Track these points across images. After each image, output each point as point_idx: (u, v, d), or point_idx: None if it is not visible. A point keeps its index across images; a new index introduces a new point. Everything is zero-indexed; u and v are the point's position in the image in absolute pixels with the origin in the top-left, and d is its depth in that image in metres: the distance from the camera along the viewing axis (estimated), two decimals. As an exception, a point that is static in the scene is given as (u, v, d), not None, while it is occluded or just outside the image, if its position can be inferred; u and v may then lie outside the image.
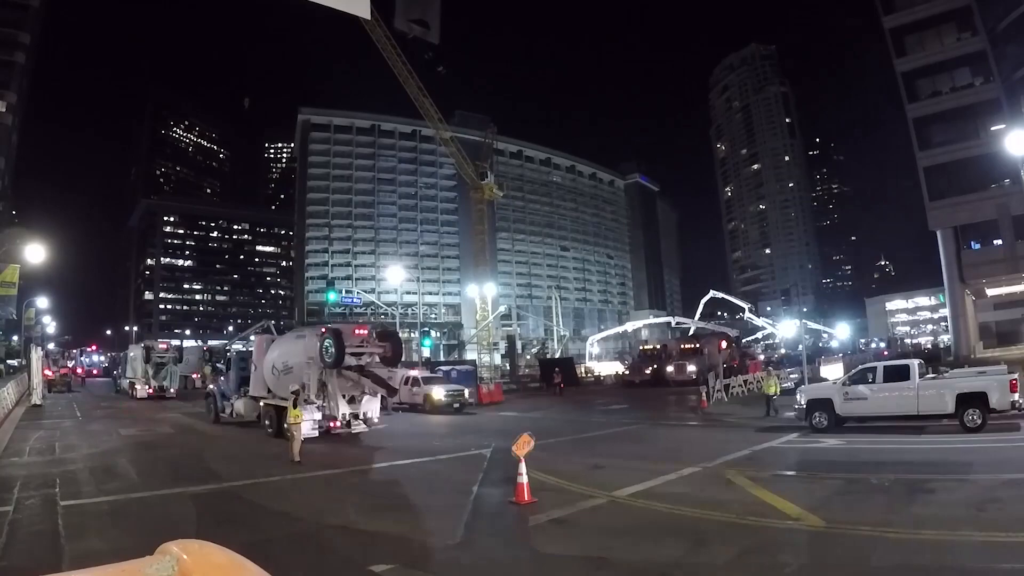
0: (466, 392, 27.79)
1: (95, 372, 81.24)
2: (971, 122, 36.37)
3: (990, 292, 37.94)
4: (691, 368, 41.82)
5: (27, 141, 74.70)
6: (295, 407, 13.94)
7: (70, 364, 64.94)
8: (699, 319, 61.98)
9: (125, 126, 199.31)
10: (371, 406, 17.73)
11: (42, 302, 49.09)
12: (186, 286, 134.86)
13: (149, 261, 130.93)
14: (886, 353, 49.79)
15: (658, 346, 52.56)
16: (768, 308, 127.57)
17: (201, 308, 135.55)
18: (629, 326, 76.45)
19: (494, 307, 79.37)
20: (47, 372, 41.87)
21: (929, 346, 62.78)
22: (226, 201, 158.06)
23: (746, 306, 67.62)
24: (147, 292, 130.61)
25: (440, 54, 67.43)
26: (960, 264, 37.05)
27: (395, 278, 79.07)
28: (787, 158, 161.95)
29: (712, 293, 66.47)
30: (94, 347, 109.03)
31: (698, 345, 46.59)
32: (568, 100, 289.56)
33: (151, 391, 35.78)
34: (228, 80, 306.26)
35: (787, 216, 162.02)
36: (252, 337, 22.40)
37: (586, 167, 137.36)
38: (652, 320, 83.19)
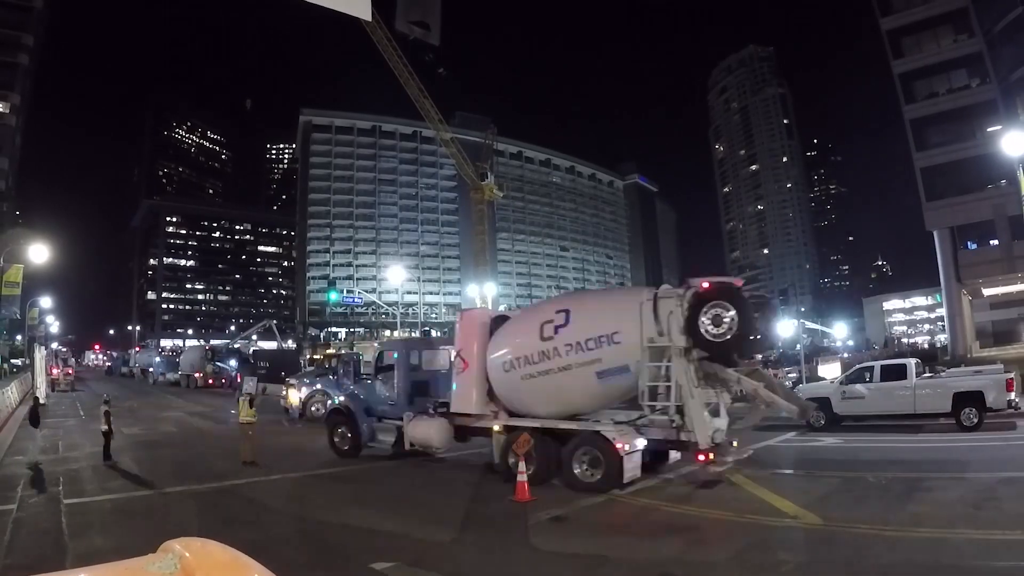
0: None
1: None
2: (968, 123, 36.35)
3: (986, 292, 37.90)
4: None
5: (30, 142, 74.72)
6: (251, 406, 13.49)
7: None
8: None
9: (128, 127, 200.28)
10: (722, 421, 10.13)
11: (46, 302, 49.09)
12: (188, 286, 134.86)
13: (152, 261, 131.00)
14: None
15: None
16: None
17: (203, 308, 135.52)
18: None
19: (494, 307, 79.37)
20: (54, 371, 42.03)
21: (926, 346, 62.74)
22: (228, 202, 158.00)
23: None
24: (150, 292, 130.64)
25: (440, 56, 67.60)
26: (957, 264, 37.01)
27: (396, 278, 79.15)
28: (785, 159, 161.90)
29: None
30: (97, 346, 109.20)
31: None
32: (568, 101, 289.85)
33: (211, 381, 42.52)
34: (230, 82, 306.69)
35: (785, 216, 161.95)
36: (459, 319, 12.55)
37: (585, 168, 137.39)
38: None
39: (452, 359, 12.60)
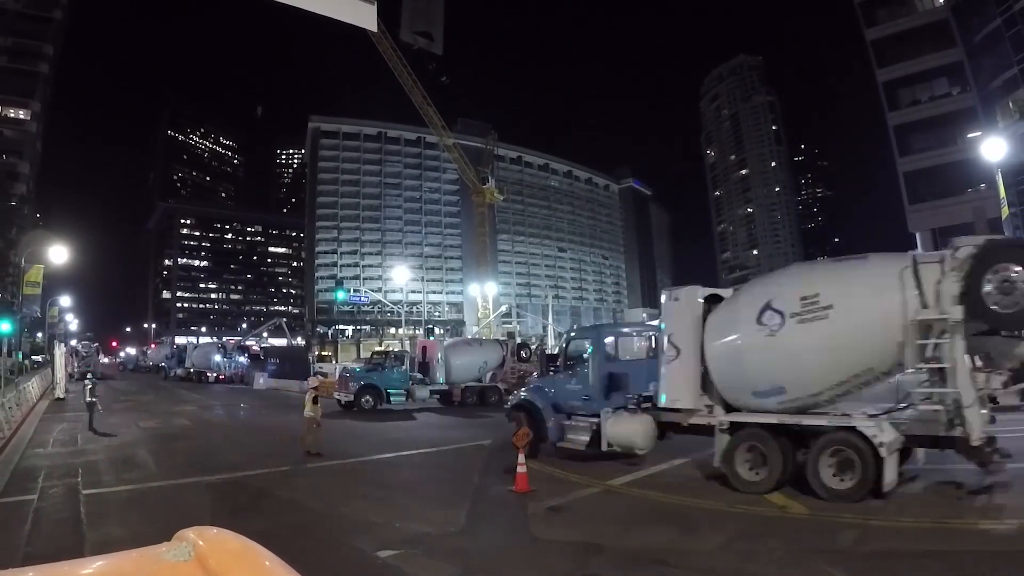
0: None
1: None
2: (949, 129, 36.39)
3: (967, 291, 37.92)
4: None
5: (50, 148, 74.64)
6: (315, 402, 13.22)
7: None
8: None
9: (143, 133, 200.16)
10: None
11: (65, 301, 49.16)
12: (202, 285, 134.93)
13: (167, 262, 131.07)
14: None
15: None
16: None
17: (216, 306, 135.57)
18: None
19: (495, 306, 79.33)
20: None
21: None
22: (240, 204, 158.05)
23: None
24: (165, 291, 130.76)
25: (443, 65, 67.62)
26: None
27: (401, 278, 79.16)
28: (773, 164, 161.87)
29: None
30: (114, 343, 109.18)
31: None
32: (565, 108, 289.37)
33: (222, 377, 42.17)
34: (242, 90, 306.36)
35: (773, 219, 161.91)
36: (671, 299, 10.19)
37: (582, 172, 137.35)
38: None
39: (657, 347, 10.64)
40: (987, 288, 7.31)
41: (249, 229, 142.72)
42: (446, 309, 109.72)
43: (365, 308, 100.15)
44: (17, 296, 33.90)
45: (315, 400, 13.39)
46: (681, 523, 7.52)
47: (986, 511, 7.17)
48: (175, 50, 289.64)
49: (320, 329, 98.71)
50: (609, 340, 12.17)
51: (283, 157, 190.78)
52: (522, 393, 13.38)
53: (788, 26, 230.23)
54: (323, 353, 74.28)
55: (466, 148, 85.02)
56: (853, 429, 7.85)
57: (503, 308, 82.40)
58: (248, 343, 55.08)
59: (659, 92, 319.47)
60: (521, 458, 9.36)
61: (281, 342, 68.63)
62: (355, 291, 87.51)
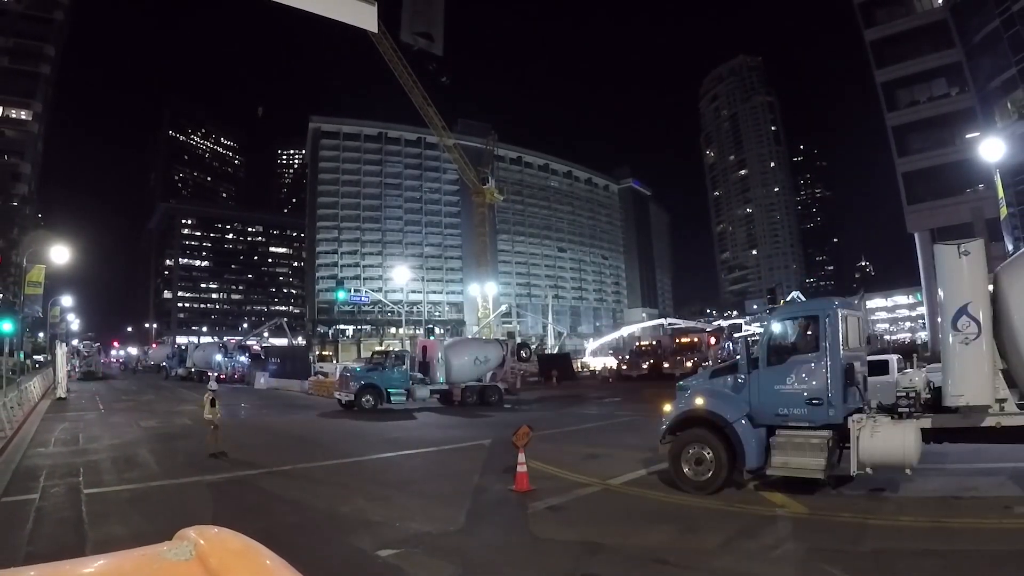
0: None
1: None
2: (947, 130, 36.39)
3: (965, 291, 37.93)
4: (688, 364, 42.08)
5: (52, 148, 74.74)
6: (212, 405, 13.35)
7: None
8: (688, 317, 62.80)
9: (145, 134, 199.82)
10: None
11: (66, 301, 49.09)
12: (203, 285, 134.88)
13: (168, 262, 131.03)
14: None
15: (653, 343, 53.17)
16: (754, 307, 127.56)
17: (217, 306, 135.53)
18: (625, 331, 76.55)
19: (495, 305, 79.35)
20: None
21: (906, 342, 62.79)
22: (241, 205, 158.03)
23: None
24: (166, 291, 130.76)
25: (443, 65, 67.60)
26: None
27: (401, 278, 79.14)
28: (772, 164, 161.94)
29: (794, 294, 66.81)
30: (115, 343, 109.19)
31: (695, 339, 47.16)
32: (566, 109, 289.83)
33: (222, 376, 40.74)
34: (243, 90, 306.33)
35: (772, 219, 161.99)
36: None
37: (582, 172, 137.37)
38: (648, 323, 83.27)
39: (944, 320, 7.59)
40: None
41: (250, 229, 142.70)
42: (446, 309, 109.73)
43: (366, 308, 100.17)
44: (19, 296, 33.91)
45: (212, 403, 13.47)
46: (681, 522, 7.52)
47: (985, 511, 7.16)
48: (176, 51, 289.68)
49: (321, 329, 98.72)
50: (843, 320, 8.45)
51: (284, 157, 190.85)
52: (695, 399, 9.10)
53: (787, 27, 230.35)
54: (324, 353, 74.11)
55: (466, 148, 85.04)
56: None
57: (503, 308, 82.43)
58: (249, 343, 55.12)
59: (659, 92, 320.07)
60: (521, 457, 9.34)
61: (282, 342, 68.67)
62: (356, 291, 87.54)
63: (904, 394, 8.03)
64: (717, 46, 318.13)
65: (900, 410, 7.92)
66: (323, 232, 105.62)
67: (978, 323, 7.24)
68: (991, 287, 7.50)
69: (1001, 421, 7.34)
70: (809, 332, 8.66)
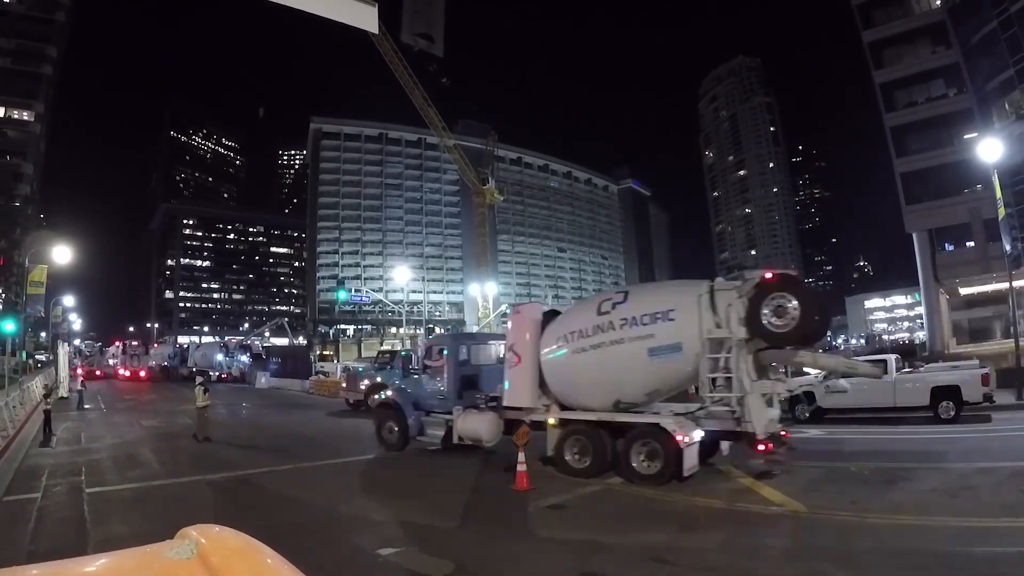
0: None
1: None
2: (945, 131, 36.33)
3: (963, 291, 37.86)
4: None
5: (54, 149, 74.72)
6: (204, 393, 15.34)
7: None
8: None
9: (146, 134, 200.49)
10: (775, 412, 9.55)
11: (68, 300, 49.07)
12: (204, 285, 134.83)
13: (169, 262, 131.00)
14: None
15: None
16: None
17: (218, 306, 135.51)
18: None
19: (495, 305, 79.25)
20: (79, 371, 42.06)
21: (905, 342, 62.78)
22: (242, 205, 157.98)
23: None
24: (167, 291, 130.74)
25: (444, 66, 67.56)
26: (935, 265, 36.99)
27: (401, 278, 79.05)
28: (771, 164, 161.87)
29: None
30: (117, 343, 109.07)
31: None
32: (565, 110, 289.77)
33: (224, 376, 41.39)
34: (244, 90, 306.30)
35: (771, 219, 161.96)
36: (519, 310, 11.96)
37: (582, 173, 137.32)
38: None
39: (504, 354, 11.75)
40: (765, 311, 8.76)
41: (251, 229, 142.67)
42: (447, 309, 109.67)
43: (366, 308, 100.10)
44: (21, 296, 33.91)
45: (205, 392, 15.25)
46: (680, 521, 7.52)
47: (985, 510, 7.17)
48: (177, 51, 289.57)
49: (322, 329, 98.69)
50: (463, 347, 13.50)
51: (285, 158, 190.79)
52: (387, 392, 14.93)
53: (786, 28, 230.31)
54: (325, 352, 74.24)
55: (466, 149, 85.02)
56: (657, 425, 9.27)
57: (503, 308, 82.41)
58: (250, 342, 55.10)
59: (658, 93, 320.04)
60: (521, 456, 9.37)
61: (283, 341, 68.74)
62: (356, 291, 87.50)
63: (482, 397, 12.21)
64: (716, 47, 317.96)
65: (480, 406, 12.09)
66: (324, 232, 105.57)
67: (518, 356, 10.96)
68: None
69: (539, 417, 10.69)
70: (442, 354, 13.13)
